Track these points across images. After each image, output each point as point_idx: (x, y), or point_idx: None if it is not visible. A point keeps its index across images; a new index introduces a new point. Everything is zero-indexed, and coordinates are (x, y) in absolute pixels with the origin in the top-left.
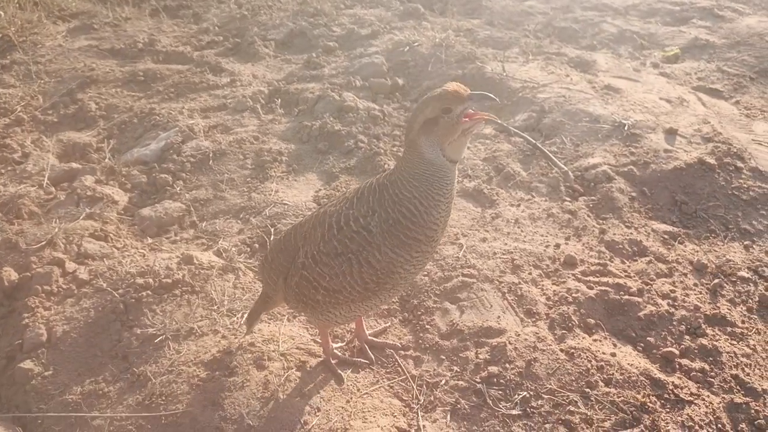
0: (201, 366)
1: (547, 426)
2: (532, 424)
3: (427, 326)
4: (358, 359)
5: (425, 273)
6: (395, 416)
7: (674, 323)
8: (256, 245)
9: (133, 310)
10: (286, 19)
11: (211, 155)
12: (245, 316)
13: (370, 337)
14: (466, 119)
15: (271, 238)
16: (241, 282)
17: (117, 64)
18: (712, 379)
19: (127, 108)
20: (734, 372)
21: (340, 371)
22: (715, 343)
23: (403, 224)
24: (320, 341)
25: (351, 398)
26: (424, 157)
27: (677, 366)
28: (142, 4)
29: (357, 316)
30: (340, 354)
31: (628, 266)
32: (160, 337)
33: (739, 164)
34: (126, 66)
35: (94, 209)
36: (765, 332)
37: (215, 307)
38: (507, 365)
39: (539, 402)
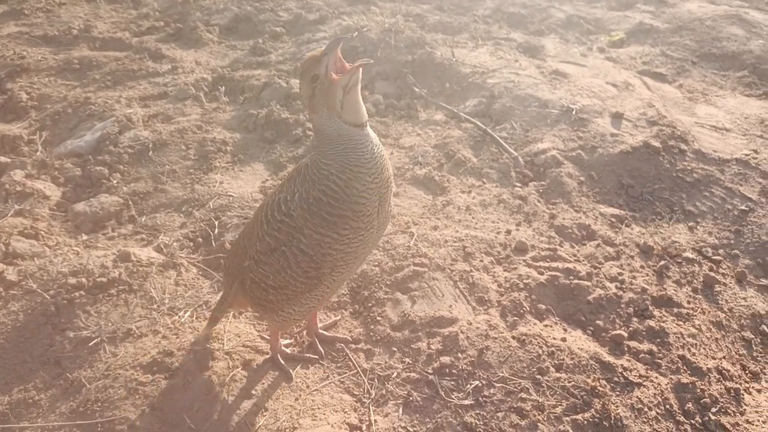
0: (139, 369)
1: (499, 414)
2: (485, 413)
3: (378, 318)
4: (308, 355)
5: (375, 263)
6: (346, 412)
7: (622, 306)
8: (200, 239)
9: (66, 312)
10: (231, 3)
11: (150, 146)
12: (207, 322)
13: (320, 331)
14: (340, 75)
15: (215, 232)
16: (183, 278)
17: (50, 51)
18: (660, 361)
19: (60, 98)
20: (681, 352)
21: (288, 368)
22: (662, 324)
23: (324, 201)
24: (268, 337)
25: (300, 395)
26: (326, 133)
27: (626, 348)
28: None
29: (313, 308)
30: (289, 352)
31: (578, 250)
32: (95, 340)
33: (683, 147)
34: (60, 53)
35: (23, 205)
36: (709, 312)
37: (155, 306)
38: (459, 355)
39: (491, 390)
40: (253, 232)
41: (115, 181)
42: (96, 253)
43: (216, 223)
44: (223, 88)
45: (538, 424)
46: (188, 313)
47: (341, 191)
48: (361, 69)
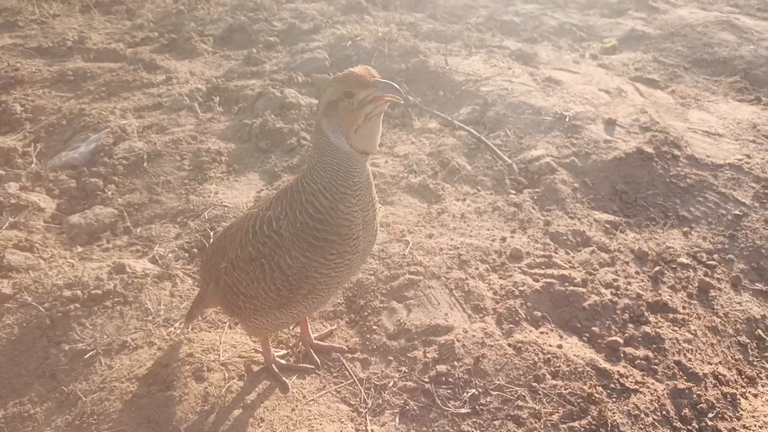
0: (135, 381)
1: (496, 423)
2: (482, 422)
3: (374, 327)
4: (304, 365)
5: (371, 272)
6: (343, 422)
7: (618, 312)
8: (195, 250)
9: (61, 325)
10: (225, 13)
11: (145, 157)
12: (184, 320)
13: (315, 341)
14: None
15: (210, 242)
16: (178, 290)
17: (44, 63)
18: (656, 367)
19: (55, 109)
20: (677, 358)
21: (284, 378)
22: (657, 330)
23: (311, 225)
24: (261, 349)
25: (296, 406)
26: (329, 142)
27: (622, 355)
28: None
29: (286, 323)
30: (283, 362)
31: (572, 257)
32: (91, 353)
33: (676, 152)
34: (54, 65)
35: (18, 218)
36: (705, 317)
37: (150, 318)
38: (455, 363)
39: (488, 399)
40: (235, 236)
41: (109, 193)
42: (91, 265)
43: (211, 233)
44: (218, 98)
45: (535, 431)
46: (184, 325)
47: (326, 212)
48: (388, 102)
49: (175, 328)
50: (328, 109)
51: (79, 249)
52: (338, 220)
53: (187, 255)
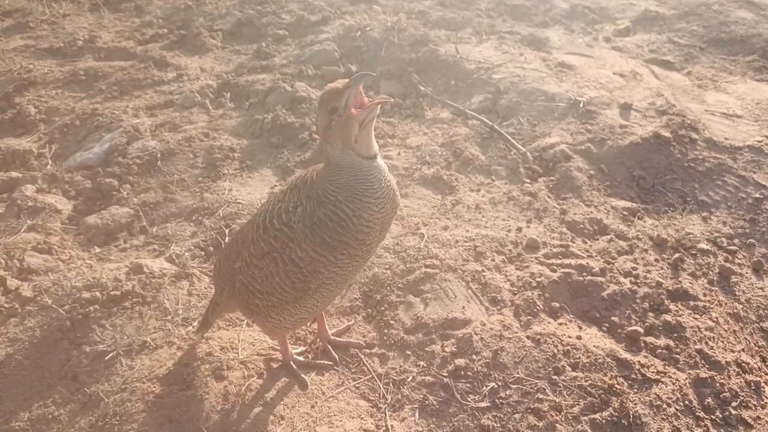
0: (156, 381)
1: (516, 416)
2: (502, 415)
3: (391, 321)
4: (322, 361)
5: (387, 266)
6: (362, 418)
7: (637, 301)
8: (211, 248)
9: (81, 327)
10: (233, 8)
11: (159, 155)
12: (197, 325)
13: (333, 337)
14: (358, 110)
15: (227, 240)
16: (195, 288)
17: (56, 63)
18: (678, 356)
19: (68, 110)
20: (698, 347)
21: (303, 375)
22: (678, 318)
23: (329, 226)
24: (279, 347)
25: (316, 403)
26: (338, 164)
27: (642, 344)
28: None
29: (303, 319)
30: (302, 359)
31: (590, 246)
32: (111, 354)
33: (694, 136)
34: (66, 65)
35: (36, 220)
36: (726, 303)
37: (169, 318)
38: (474, 356)
39: (508, 392)
40: (247, 235)
41: (125, 193)
42: (109, 266)
43: (226, 231)
44: (229, 94)
45: (556, 424)
46: (197, 334)
47: (348, 220)
48: (379, 106)
49: (193, 327)
50: (326, 135)
51: (97, 250)
52: (359, 227)
53: (203, 253)
